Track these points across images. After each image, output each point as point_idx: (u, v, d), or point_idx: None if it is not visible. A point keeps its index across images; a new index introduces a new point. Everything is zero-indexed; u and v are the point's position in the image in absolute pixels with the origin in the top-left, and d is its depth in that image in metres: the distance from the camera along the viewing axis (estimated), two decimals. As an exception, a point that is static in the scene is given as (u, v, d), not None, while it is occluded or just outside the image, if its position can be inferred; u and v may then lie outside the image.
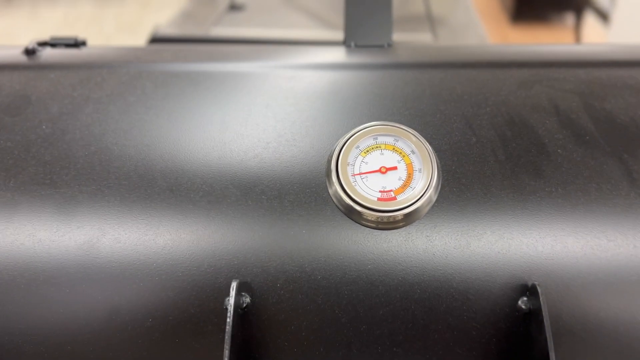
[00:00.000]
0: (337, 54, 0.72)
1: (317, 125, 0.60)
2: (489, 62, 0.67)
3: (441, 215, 0.54)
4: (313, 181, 0.55)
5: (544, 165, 0.56)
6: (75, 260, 0.53)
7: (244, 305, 0.52)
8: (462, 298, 0.52)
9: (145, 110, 0.61)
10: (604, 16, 3.32)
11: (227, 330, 0.48)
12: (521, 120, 0.59)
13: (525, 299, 0.52)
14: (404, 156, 0.56)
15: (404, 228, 0.53)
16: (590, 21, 3.63)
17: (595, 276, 0.52)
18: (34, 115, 0.61)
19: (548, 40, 3.72)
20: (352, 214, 0.53)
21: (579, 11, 3.25)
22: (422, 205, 0.53)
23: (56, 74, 0.67)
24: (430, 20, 1.39)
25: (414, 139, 0.56)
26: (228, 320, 0.49)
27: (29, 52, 0.72)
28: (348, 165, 0.55)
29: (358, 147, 0.56)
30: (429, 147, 0.56)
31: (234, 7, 1.49)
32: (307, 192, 0.55)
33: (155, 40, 1.29)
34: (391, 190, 0.54)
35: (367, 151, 0.56)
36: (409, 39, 1.28)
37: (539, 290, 0.50)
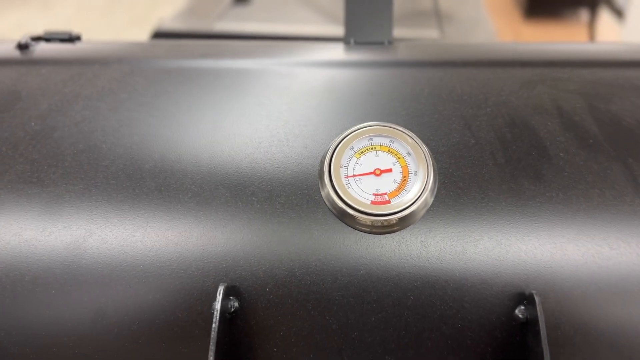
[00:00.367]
0: (335, 51, 0.70)
1: (311, 124, 0.58)
2: (491, 61, 0.65)
3: (437, 219, 0.52)
4: (305, 183, 0.54)
5: (544, 169, 0.54)
6: (61, 261, 0.52)
7: (232, 309, 0.50)
8: (456, 306, 0.50)
9: (136, 108, 0.60)
10: (618, 12, 3.26)
11: (212, 336, 0.47)
12: (522, 121, 0.57)
13: (522, 308, 0.50)
14: (399, 158, 0.54)
15: (397, 232, 0.52)
16: (604, 17, 3.58)
17: (597, 286, 0.50)
18: (23, 112, 0.60)
19: (561, 37, 3.67)
20: (344, 217, 0.52)
21: (593, 7, 3.20)
22: (416, 210, 0.51)
23: (48, 69, 0.66)
24: (437, 16, 1.36)
25: (410, 140, 0.54)
26: (214, 325, 0.47)
27: (22, 46, 0.70)
28: (341, 166, 0.53)
29: (352, 148, 0.55)
30: (426, 149, 0.54)
31: (239, 1, 1.48)
32: (299, 194, 0.53)
33: (159, 34, 1.27)
34: (385, 194, 0.52)
35: (362, 152, 0.54)
36: (415, 35, 1.26)
37: (537, 299, 0.48)
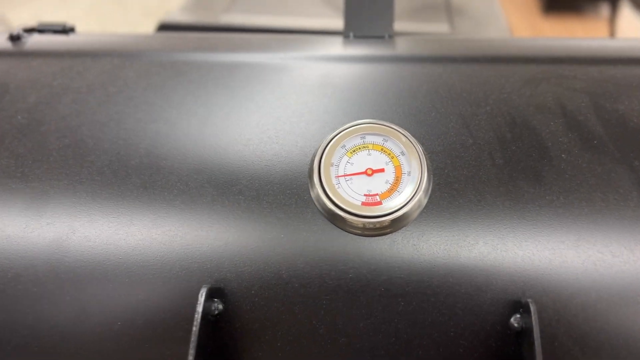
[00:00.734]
0: (333, 45, 0.68)
1: (302, 121, 0.56)
2: (493, 57, 0.63)
3: (430, 222, 0.50)
4: (294, 182, 0.52)
5: (545, 171, 0.51)
6: (43, 259, 0.50)
7: (216, 311, 0.49)
8: (449, 313, 0.48)
9: (124, 102, 0.58)
10: (640, 7, 3.18)
11: (192, 340, 0.45)
12: (523, 121, 0.55)
13: (518, 316, 0.48)
14: (392, 158, 0.52)
15: (389, 235, 0.50)
16: (625, 13, 3.49)
17: (597, 295, 0.47)
18: (10, 105, 0.59)
19: (581, 33, 3.60)
20: (334, 218, 0.50)
21: (614, 2, 3.12)
22: (409, 212, 0.49)
23: (38, 61, 0.64)
24: (448, 10, 1.33)
25: (404, 139, 0.52)
26: (194, 329, 0.46)
27: (14, 38, 0.69)
28: (332, 166, 0.51)
29: (344, 146, 0.52)
30: (420, 149, 0.52)
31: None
32: (288, 193, 0.51)
33: (164, 27, 1.26)
34: (377, 195, 0.50)
35: (354, 151, 0.52)
36: (424, 29, 1.23)
37: (532, 308, 0.46)
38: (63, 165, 0.54)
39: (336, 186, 0.50)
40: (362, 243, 0.50)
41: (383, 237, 0.49)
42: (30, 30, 0.72)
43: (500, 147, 0.53)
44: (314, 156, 0.52)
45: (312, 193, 0.51)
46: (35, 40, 0.70)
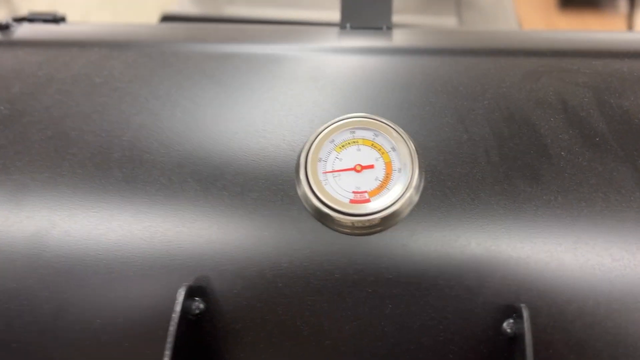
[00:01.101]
0: (328, 36, 0.66)
1: (291, 115, 0.54)
2: (493, 49, 0.60)
3: (421, 221, 0.47)
4: (281, 177, 0.50)
5: (543, 169, 0.49)
6: (22, 253, 0.49)
7: (197, 311, 0.47)
8: (438, 316, 0.46)
9: (109, 93, 0.57)
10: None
11: (168, 341, 0.44)
12: (522, 116, 0.52)
13: (511, 321, 0.45)
14: (383, 153, 0.50)
15: (377, 235, 0.47)
16: (644, 7, 3.42)
17: (595, 301, 0.45)
18: None
19: (598, 28, 3.53)
20: (321, 216, 0.48)
21: (632, -4, 3.06)
22: (398, 210, 0.47)
23: (25, 51, 0.63)
24: (457, 2, 1.29)
25: (394, 134, 0.50)
26: (171, 329, 0.44)
27: (2, 27, 0.68)
28: (319, 161, 0.49)
29: (333, 141, 0.50)
30: (412, 145, 0.49)
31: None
32: (274, 189, 0.49)
33: (167, 18, 1.24)
34: (365, 192, 0.48)
35: (343, 146, 0.50)
36: (431, 22, 1.20)
37: (525, 313, 0.43)
38: (45, 158, 0.52)
39: (323, 182, 0.48)
40: (350, 242, 0.48)
41: (371, 236, 0.47)
42: (20, 20, 0.71)
43: (496, 144, 0.50)
44: (301, 151, 0.50)
45: (298, 190, 0.49)
46: (24, 30, 0.68)
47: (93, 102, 0.56)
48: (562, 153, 0.49)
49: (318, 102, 0.55)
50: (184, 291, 0.46)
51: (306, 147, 0.50)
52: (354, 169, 0.49)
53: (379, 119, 0.51)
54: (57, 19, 0.72)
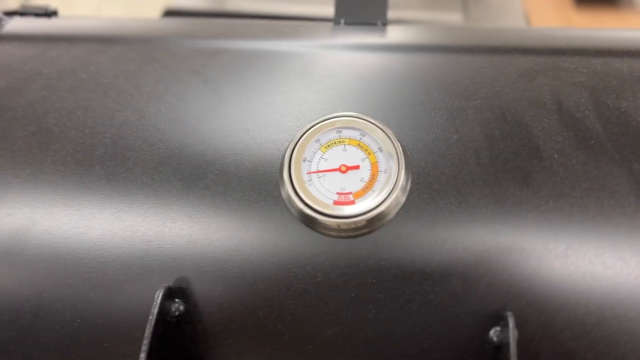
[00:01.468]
0: (321, 32, 0.64)
1: (277, 113, 0.53)
2: (489, 47, 0.58)
3: (406, 225, 0.46)
4: (265, 177, 0.49)
5: (534, 172, 0.47)
6: (3, 251, 0.49)
7: (177, 313, 0.46)
8: (423, 323, 0.45)
9: (93, 89, 0.56)
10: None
11: (144, 343, 0.43)
12: (514, 117, 0.50)
13: (498, 329, 0.44)
14: (369, 154, 0.48)
15: (362, 238, 0.46)
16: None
17: (586, 309, 0.43)
18: None
19: (615, 25, 3.46)
20: (304, 218, 0.47)
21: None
22: (383, 212, 0.46)
23: (13, 45, 0.62)
24: (463, -2, 1.27)
25: (382, 134, 0.48)
26: (147, 331, 0.43)
27: None
28: (304, 161, 0.48)
29: (318, 140, 0.49)
30: (399, 145, 0.48)
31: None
32: (257, 189, 0.48)
33: (170, 13, 1.23)
34: (350, 193, 0.47)
35: (329, 146, 0.49)
36: (435, 18, 1.18)
37: (510, 321, 0.42)
38: (27, 154, 0.52)
39: (307, 183, 0.47)
40: (334, 244, 0.46)
41: (355, 239, 0.46)
42: (11, 14, 0.70)
43: (487, 145, 0.49)
44: (286, 150, 0.49)
45: (282, 190, 0.48)
46: (14, 24, 0.68)
47: (78, 97, 0.55)
48: (555, 155, 0.47)
49: (306, 100, 0.53)
50: (162, 293, 0.45)
51: (290, 147, 0.49)
52: (338, 169, 0.48)
53: (366, 118, 0.49)
54: (49, 13, 0.71)
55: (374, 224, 0.46)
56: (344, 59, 0.58)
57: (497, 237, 0.45)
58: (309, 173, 0.48)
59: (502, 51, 0.57)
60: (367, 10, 0.67)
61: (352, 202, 0.46)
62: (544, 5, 3.69)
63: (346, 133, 0.49)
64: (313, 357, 0.46)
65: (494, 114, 0.50)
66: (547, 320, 0.43)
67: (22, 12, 0.70)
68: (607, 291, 0.43)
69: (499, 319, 0.44)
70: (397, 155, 0.47)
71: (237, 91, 0.55)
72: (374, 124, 0.49)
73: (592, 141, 0.48)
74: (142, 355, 0.42)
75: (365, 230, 0.46)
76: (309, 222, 0.47)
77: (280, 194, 0.48)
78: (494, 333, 0.44)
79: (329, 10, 1.24)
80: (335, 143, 0.49)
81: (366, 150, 0.48)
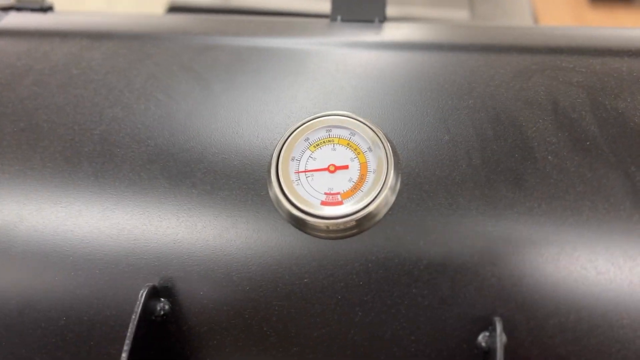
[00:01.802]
0: (316, 29, 0.63)
1: (267, 111, 0.52)
2: (485, 45, 0.57)
3: (395, 227, 0.45)
4: (252, 176, 0.48)
5: (527, 174, 0.46)
6: None
7: (162, 312, 0.46)
8: (410, 327, 0.44)
9: (84, 85, 0.55)
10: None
11: (126, 342, 0.42)
12: (509, 117, 0.49)
13: (486, 334, 0.43)
14: (359, 154, 0.47)
15: (349, 239, 0.45)
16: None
17: (577, 315, 0.42)
18: None
19: (630, 23, 3.41)
20: (291, 218, 0.46)
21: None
22: (372, 213, 0.45)
23: (7, 40, 0.62)
24: (469, -5, 1.25)
25: (371, 133, 0.47)
26: (129, 330, 0.43)
27: None
28: (292, 160, 0.47)
29: (307, 139, 0.48)
30: (388, 145, 0.47)
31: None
32: (244, 188, 0.48)
33: (174, 9, 1.23)
34: (338, 193, 0.46)
35: (318, 145, 0.48)
36: (441, 15, 1.16)
37: (498, 326, 0.41)
38: (16, 150, 0.51)
39: (295, 183, 0.46)
40: (321, 245, 0.46)
41: (342, 240, 0.45)
42: (7, 8, 0.70)
43: (479, 146, 0.47)
44: (274, 149, 0.48)
45: (269, 190, 0.47)
46: (9, 19, 0.67)
47: (68, 94, 0.55)
48: (549, 157, 0.46)
49: (296, 98, 0.53)
50: (146, 292, 0.44)
51: (279, 145, 0.48)
52: (327, 169, 0.47)
53: (356, 117, 0.48)
54: (45, 8, 0.71)
55: (362, 224, 0.45)
56: (337, 57, 0.57)
57: (487, 240, 0.44)
58: (297, 172, 0.47)
59: (499, 50, 0.56)
60: (364, 7, 0.66)
61: (340, 203, 0.45)
62: (558, 3, 3.64)
63: (336, 132, 0.48)
64: (298, 358, 0.46)
65: (487, 114, 0.49)
66: (538, 326, 0.42)
67: (18, 7, 0.70)
68: (599, 297, 0.42)
69: (487, 324, 0.43)
70: (387, 155, 0.46)
71: (228, 88, 0.54)
72: (364, 123, 0.48)
73: (588, 143, 0.47)
74: (124, 355, 0.42)
75: (354, 231, 0.45)
76: (296, 222, 0.46)
77: (267, 193, 0.47)
78: (482, 338, 0.43)
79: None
80: (324, 142, 0.48)
81: (355, 149, 0.47)
